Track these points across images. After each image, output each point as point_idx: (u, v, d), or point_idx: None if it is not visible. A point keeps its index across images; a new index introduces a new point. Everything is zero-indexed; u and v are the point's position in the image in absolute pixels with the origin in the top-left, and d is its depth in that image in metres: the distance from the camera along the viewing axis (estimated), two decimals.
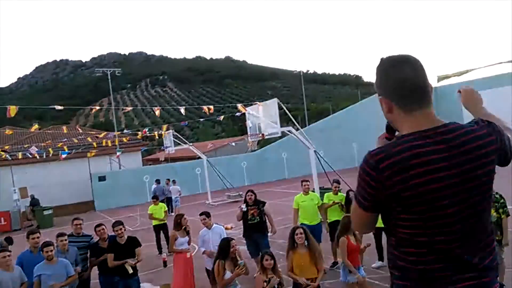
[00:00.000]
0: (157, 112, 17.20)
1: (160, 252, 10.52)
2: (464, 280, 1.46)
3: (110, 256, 5.92)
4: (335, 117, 31.92)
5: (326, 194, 8.50)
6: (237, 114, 16.54)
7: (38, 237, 5.88)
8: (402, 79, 1.54)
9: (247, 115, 14.02)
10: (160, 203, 10.97)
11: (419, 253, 1.49)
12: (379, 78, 1.62)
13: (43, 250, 5.42)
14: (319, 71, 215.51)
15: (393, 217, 1.52)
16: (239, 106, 15.05)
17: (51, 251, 5.40)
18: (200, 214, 6.77)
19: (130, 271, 5.91)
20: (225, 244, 5.02)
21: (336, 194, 8.26)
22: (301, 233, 4.93)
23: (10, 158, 21.82)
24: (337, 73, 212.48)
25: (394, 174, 1.43)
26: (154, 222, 10.79)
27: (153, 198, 11.21)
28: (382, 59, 1.63)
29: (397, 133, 1.72)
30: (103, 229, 6.43)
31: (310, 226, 7.43)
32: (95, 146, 22.70)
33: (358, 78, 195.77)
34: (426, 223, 1.46)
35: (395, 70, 1.56)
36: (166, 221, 10.68)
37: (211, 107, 15.20)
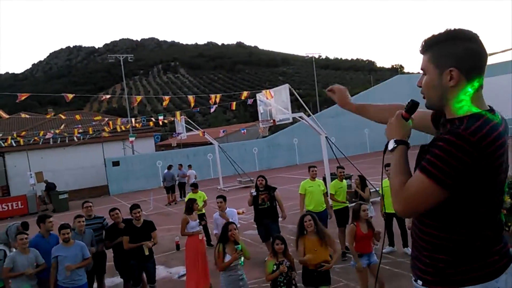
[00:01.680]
0: (166, 102, 17.32)
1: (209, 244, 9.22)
2: (502, 249, 1.62)
3: (126, 239, 6.05)
4: None
5: (331, 184, 8.46)
6: (248, 102, 16.51)
7: (52, 221, 6.04)
8: (482, 54, 1.55)
9: (258, 101, 14.01)
10: (200, 192, 9.86)
11: (479, 228, 1.57)
12: (458, 49, 1.54)
13: (60, 232, 5.58)
14: (331, 57, 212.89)
15: (464, 196, 1.52)
16: (244, 93, 15.03)
17: (68, 233, 5.55)
18: (217, 197, 6.94)
19: (147, 252, 6.03)
20: (224, 228, 5.11)
21: (341, 180, 8.26)
22: (309, 220, 4.92)
23: (28, 142, 22.23)
24: (349, 58, 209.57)
25: (490, 153, 1.45)
26: None
27: (191, 186, 10.11)
28: (457, 30, 1.56)
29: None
30: (117, 213, 6.54)
31: (317, 213, 7.50)
32: (107, 130, 22.95)
33: (371, 63, 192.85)
34: (490, 199, 1.55)
35: (476, 44, 1.55)
36: (204, 211, 9.45)
37: (218, 96, 15.14)
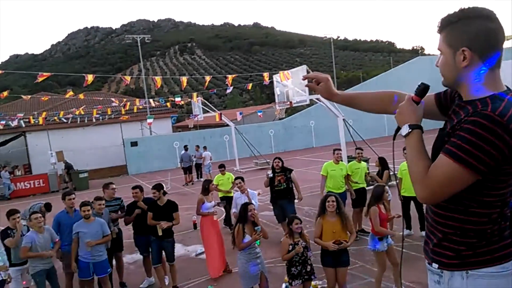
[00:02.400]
0: (184, 83, 17.27)
1: (230, 227, 8.83)
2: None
3: (150, 215, 6.16)
4: (366, 85, 31.20)
5: (348, 165, 8.46)
6: (265, 83, 16.43)
7: (73, 198, 6.17)
8: (497, 33, 1.50)
9: (275, 82, 13.94)
10: (227, 173, 9.33)
11: (501, 208, 1.56)
12: (470, 29, 1.49)
13: (81, 209, 5.74)
14: (350, 38, 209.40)
15: (492, 178, 1.47)
16: (265, 75, 14.98)
17: (88, 210, 5.71)
18: (236, 178, 7.00)
19: (160, 233, 6.17)
20: (243, 209, 5.15)
21: (360, 161, 8.26)
22: (333, 201, 4.92)
23: (55, 121, 22.66)
24: (368, 39, 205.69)
25: None
26: (220, 194, 9.33)
27: (219, 167, 9.48)
28: (471, 9, 1.50)
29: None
30: (136, 192, 6.65)
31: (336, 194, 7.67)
32: (124, 111, 23.20)
33: (390, 44, 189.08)
34: (510, 181, 1.53)
35: (491, 22, 1.49)
36: (232, 194, 8.80)
37: (233, 76, 15.10)
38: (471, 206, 1.54)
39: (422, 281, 5.44)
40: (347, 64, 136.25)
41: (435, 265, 1.65)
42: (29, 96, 17.18)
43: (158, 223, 6.09)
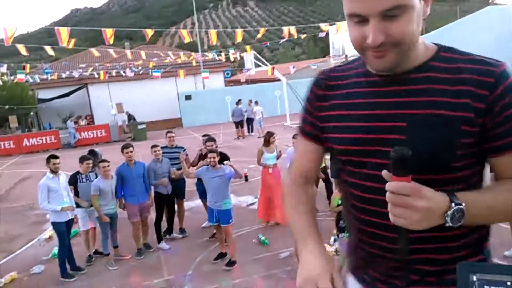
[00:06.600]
0: (239, 36, 17.04)
1: None
2: None
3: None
4: (429, 37, 28.93)
5: None
6: (320, 35, 15.88)
7: (131, 151, 6.31)
8: None
9: (330, 35, 13.48)
10: None
11: None
12: None
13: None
14: None
15: None
16: (322, 26, 14.47)
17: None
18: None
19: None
20: None
21: None
22: None
23: (114, 74, 23.72)
24: None
25: None
26: None
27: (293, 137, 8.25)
28: None
29: None
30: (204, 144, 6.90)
31: None
32: (180, 61, 23.58)
33: None
34: None
35: None
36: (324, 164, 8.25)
37: (293, 28, 14.67)
38: None
39: None
40: None
41: None
42: (98, 54, 18.09)
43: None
